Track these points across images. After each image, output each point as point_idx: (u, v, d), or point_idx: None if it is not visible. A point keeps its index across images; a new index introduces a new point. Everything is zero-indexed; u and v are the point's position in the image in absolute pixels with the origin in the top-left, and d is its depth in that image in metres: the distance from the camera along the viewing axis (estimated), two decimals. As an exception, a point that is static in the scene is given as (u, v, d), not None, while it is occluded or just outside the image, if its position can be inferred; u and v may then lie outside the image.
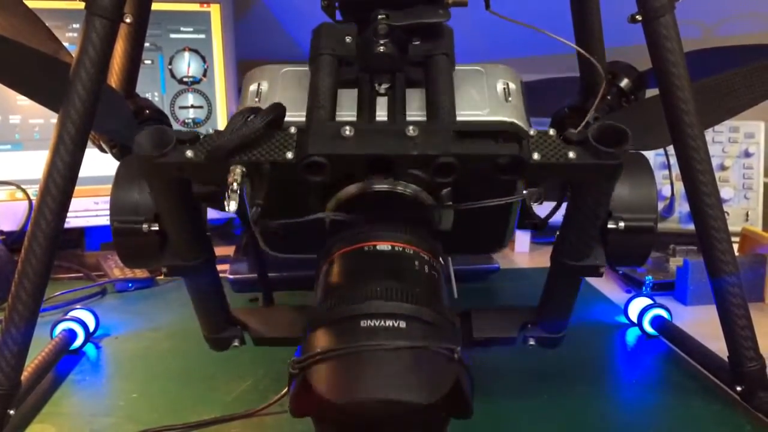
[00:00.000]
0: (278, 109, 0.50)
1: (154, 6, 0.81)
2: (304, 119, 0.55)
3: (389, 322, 0.42)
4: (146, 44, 0.85)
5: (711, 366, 0.74)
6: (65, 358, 0.79)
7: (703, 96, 0.65)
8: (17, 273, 0.61)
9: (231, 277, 0.99)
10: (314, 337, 0.43)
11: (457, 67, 0.61)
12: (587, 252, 0.56)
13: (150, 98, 1.08)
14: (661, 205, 1.19)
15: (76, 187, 0.61)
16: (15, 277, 0.61)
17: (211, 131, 0.50)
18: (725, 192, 1.19)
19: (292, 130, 0.50)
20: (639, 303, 0.89)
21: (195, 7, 1.18)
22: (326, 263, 0.50)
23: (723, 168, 1.21)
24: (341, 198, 0.55)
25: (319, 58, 0.59)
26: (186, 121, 1.19)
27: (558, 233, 0.57)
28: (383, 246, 0.49)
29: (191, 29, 1.18)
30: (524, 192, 0.59)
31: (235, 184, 0.47)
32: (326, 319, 0.44)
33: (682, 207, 1.18)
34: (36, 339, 0.63)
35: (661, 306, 0.87)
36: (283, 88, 0.60)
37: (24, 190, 1.12)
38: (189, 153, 0.48)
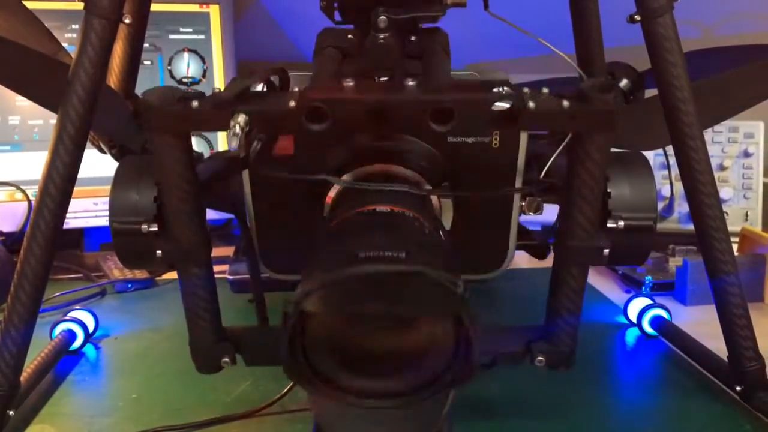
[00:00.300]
0: (281, 71, 0.53)
1: (154, 7, 0.82)
2: None
3: (388, 253, 0.41)
4: (145, 45, 0.85)
5: (710, 366, 0.74)
6: (65, 359, 0.79)
7: (702, 96, 0.65)
8: (16, 274, 0.61)
9: (230, 277, 0.99)
10: (309, 273, 0.42)
11: (452, 74, 0.62)
12: (589, 229, 0.55)
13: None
14: (660, 205, 1.19)
15: (76, 188, 0.61)
16: (14, 278, 0.61)
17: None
18: (724, 192, 1.19)
19: (296, 89, 0.52)
20: (638, 303, 0.89)
21: (194, 7, 1.18)
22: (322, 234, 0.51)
23: (722, 168, 1.21)
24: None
25: (323, 51, 0.62)
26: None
27: (560, 219, 0.57)
28: (382, 208, 0.49)
29: (190, 30, 1.18)
30: (522, 204, 0.60)
31: (237, 127, 0.48)
32: (322, 258, 0.43)
33: (682, 207, 1.18)
34: (35, 340, 0.63)
35: (661, 306, 0.87)
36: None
37: (23, 191, 1.12)
38: (195, 103, 0.50)
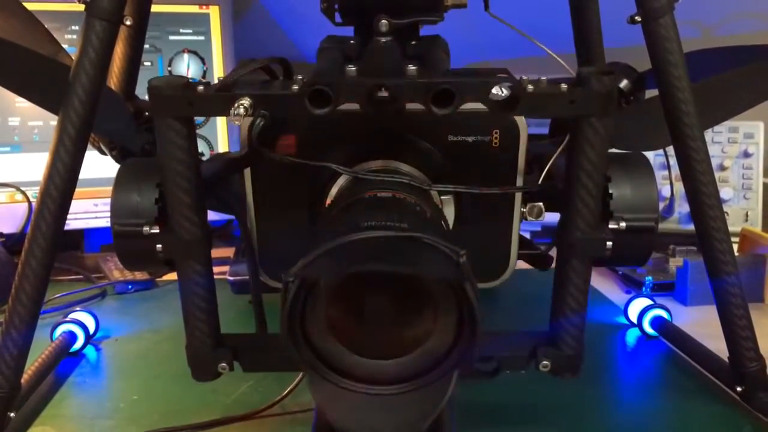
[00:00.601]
0: (282, 60, 0.54)
1: (154, 8, 0.82)
2: None
3: (391, 223, 0.42)
4: (146, 46, 0.85)
5: (711, 366, 0.74)
6: (65, 361, 0.79)
7: (703, 96, 0.65)
8: (17, 275, 0.61)
9: (231, 278, 0.99)
10: (312, 247, 0.42)
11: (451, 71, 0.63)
12: (591, 221, 0.55)
13: (149, 100, 1.08)
14: (661, 206, 1.19)
15: (76, 189, 0.61)
16: (15, 280, 0.61)
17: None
18: (725, 192, 1.19)
19: (299, 76, 0.52)
20: (639, 303, 0.89)
21: (194, 8, 1.18)
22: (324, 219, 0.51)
23: (722, 168, 1.21)
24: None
25: (326, 51, 0.64)
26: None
27: (561, 218, 0.57)
28: (384, 194, 0.50)
29: (190, 31, 1.18)
30: (523, 210, 0.60)
31: (241, 108, 0.49)
32: (325, 234, 0.43)
33: (682, 207, 1.18)
34: (36, 341, 0.63)
35: (661, 306, 0.87)
36: None
37: (24, 193, 1.12)
38: (200, 88, 0.51)
